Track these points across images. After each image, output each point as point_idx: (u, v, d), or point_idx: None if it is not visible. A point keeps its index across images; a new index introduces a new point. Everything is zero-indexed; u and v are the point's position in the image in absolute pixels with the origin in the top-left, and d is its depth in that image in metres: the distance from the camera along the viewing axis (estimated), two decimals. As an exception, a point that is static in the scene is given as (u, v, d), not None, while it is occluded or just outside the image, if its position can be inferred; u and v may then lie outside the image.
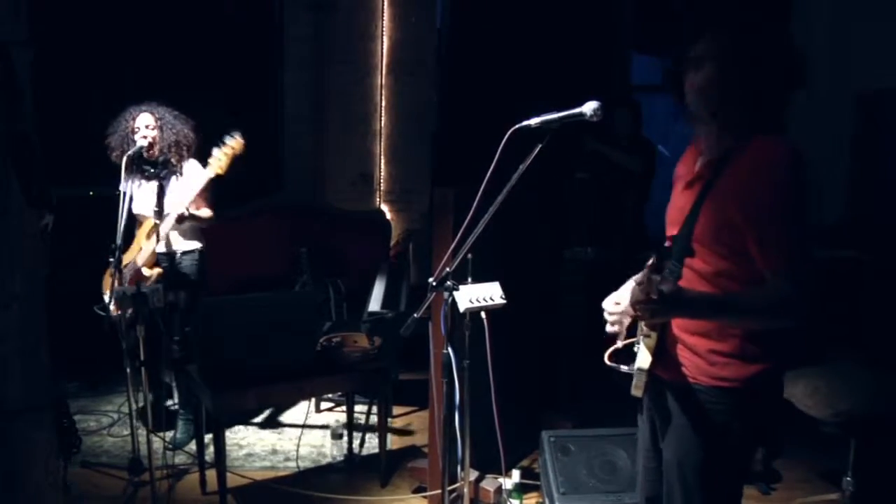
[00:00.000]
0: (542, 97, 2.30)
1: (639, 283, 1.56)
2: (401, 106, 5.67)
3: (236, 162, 3.38)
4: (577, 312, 3.90)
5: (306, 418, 3.97)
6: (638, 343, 1.82)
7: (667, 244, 1.85)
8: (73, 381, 4.45)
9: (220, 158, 3.32)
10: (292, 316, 3.10)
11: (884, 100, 4.61)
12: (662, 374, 1.79)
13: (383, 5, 5.56)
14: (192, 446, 3.54)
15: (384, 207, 5.70)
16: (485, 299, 2.45)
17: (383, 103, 5.66)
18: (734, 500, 1.81)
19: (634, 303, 1.57)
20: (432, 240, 2.94)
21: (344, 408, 3.96)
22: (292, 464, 3.53)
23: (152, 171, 3.47)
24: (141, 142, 3.36)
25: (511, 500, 3.08)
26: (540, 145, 1.94)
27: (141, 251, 3.45)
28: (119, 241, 3.06)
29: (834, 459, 3.18)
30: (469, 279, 2.47)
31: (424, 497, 3.17)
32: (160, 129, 3.43)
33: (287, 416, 4.13)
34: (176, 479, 3.32)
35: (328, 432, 3.74)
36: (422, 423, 4.04)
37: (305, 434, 3.82)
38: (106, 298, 3.46)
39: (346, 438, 3.60)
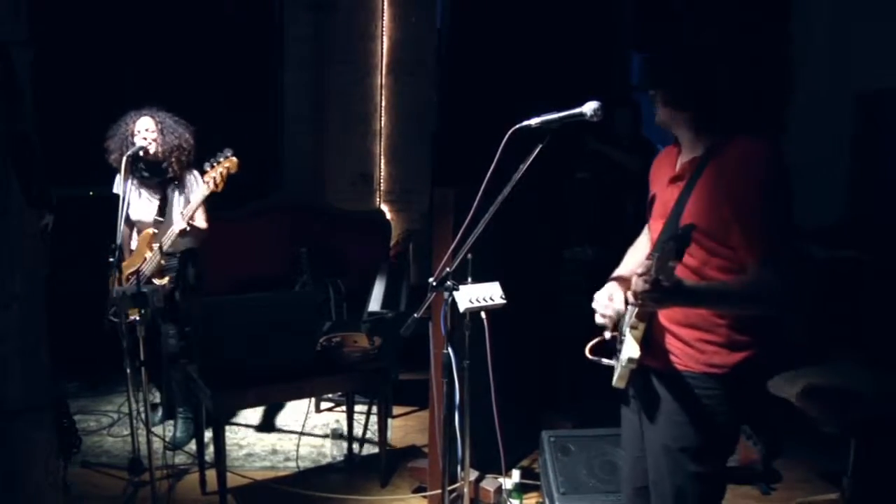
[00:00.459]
0: (542, 97, 2.30)
1: (640, 275, 1.60)
2: (401, 106, 5.67)
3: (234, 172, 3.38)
4: (577, 312, 3.88)
5: (306, 418, 3.97)
6: (624, 335, 1.86)
7: (652, 236, 1.92)
8: (73, 381, 4.45)
9: (215, 177, 3.31)
10: (292, 316, 3.10)
11: (884, 100, 4.60)
12: (652, 363, 1.85)
13: (383, 5, 5.56)
14: (192, 446, 3.54)
15: (384, 207, 5.70)
16: (485, 299, 2.45)
17: (383, 103, 5.66)
18: (719, 481, 1.89)
19: (638, 292, 1.60)
20: (432, 240, 2.94)
21: (344, 408, 3.96)
22: (292, 464, 3.53)
23: (151, 179, 3.47)
24: (140, 142, 3.36)
25: (511, 500, 3.08)
26: (540, 145, 1.95)
27: (146, 261, 3.45)
28: (119, 241, 3.06)
29: (834, 459, 3.18)
30: (469, 279, 2.47)
31: (424, 497, 3.17)
32: (161, 132, 3.43)
33: (287, 417, 4.13)
34: (176, 479, 3.32)
35: (328, 432, 3.74)
36: (422, 423, 4.04)
37: (305, 434, 3.82)
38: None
39: (345, 438, 3.60)
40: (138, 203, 3.52)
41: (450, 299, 2.22)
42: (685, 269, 1.75)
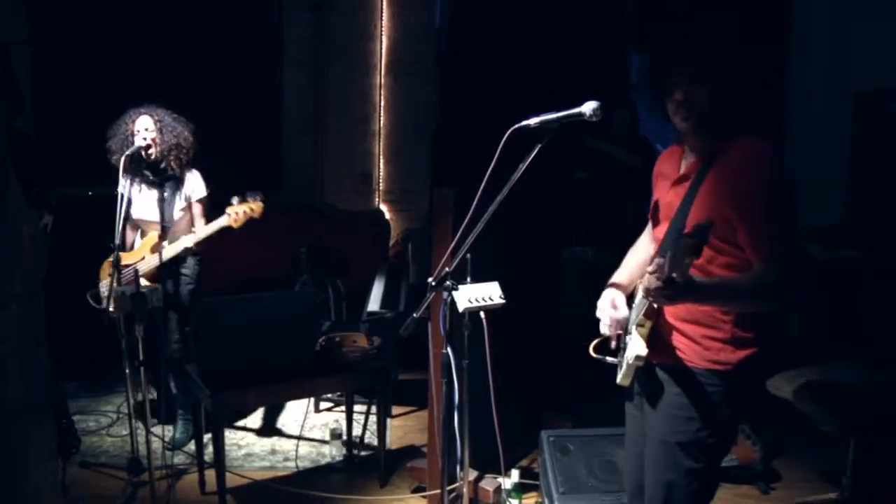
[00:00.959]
0: (541, 97, 2.31)
1: (653, 272, 1.62)
2: (400, 106, 5.67)
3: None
4: (577, 312, 3.89)
5: (305, 418, 3.97)
6: (629, 333, 1.89)
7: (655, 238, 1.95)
8: (72, 381, 4.45)
9: (237, 212, 3.31)
10: (292, 316, 3.10)
11: (883, 100, 4.60)
12: (657, 359, 1.87)
13: (382, 5, 5.56)
14: (192, 446, 3.54)
15: (383, 207, 5.70)
16: (484, 299, 2.45)
17: (382, 103, 5.66)
18: (712, 479, 1.92)
19: (650, 289, 1.62)
20: (431, 240, 2.94)
21: (343, 408, 3.95)
22: (291, 464, 3.53)
23: (153, 178, 3.47)
24: (140, 142, 3.36)
25: (510, 499, 3.08)
26: (539, 145, 1.95)
27: (144, 260, 3.45)
28: (118, 240, 3.06)
29: (833, 459, 3.18)
30: (468, 279, 2.47)
31: (424, 497, 3.17)
32: (159, 131, 3.43)
33: (286, 417, 4.13)
34: (175, 479, 3.31)
35: (327, 432, 3.74)
36: (421, 422, 4.04)
37: (305, 434, 3.82)
38: (102, 288, 3.46)
39: (345, 438, 3.60)
40: (139, 201, 3.51)
41: (449, 299, 2.23)
42: (692, 267, 1.76)
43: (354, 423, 3.68)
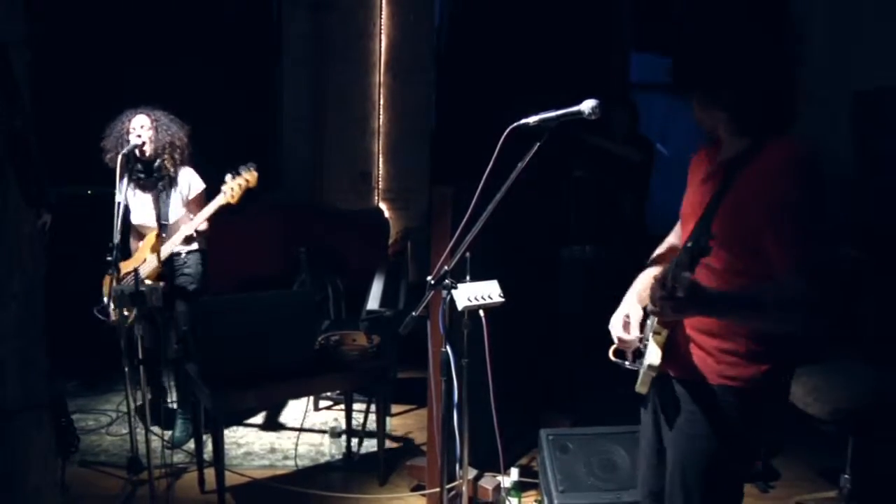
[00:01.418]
0: (540, 95, 2.30)
1: (659, 280, 1.57)
2: (399, 105, 5.67)
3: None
4: (576, 311, 3.90)
5: (305, 417, 3.97)
6: (647, 340, 1.83)
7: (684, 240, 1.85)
8: (71, 380, 4.45)
9: (233, 188, 3.31)
10: (291, 315, 3.10)
11: (884, 99, 4.60)
12: (671, 370, 1.81)
13: (381, 4, 5.56)
14: (191, 445, 3.54)
15: (383, 206, 5.70)
16: (483, 297, 2.45)
17: (382, 102, 5.66)
18: (735, 500, 1.83)
19: (656, 299, 1.56)
20: (431, 238, 2.94)
21: (342, 406, 3.95)
22: (291, 462, 3.53)
23: (147, 178, 3.47)
24: (135, 140, 3.36)
25: (509, 498, 3.08)
26: (538, 144, 1.94)
27: (145, 262, 3.45)
28: (117, 240, 3.06)
29: (833, 457, 3.18)
30: (467, 277, 2.47)
31: (423, 495, 3.17)
32: (155, 129, 3.43)
33: (285, 415, 4.13)
34: (174, 478, 3.31)
35: (327, 431, 3.74)
36: (420, 421, 4.04)
37: (304, 433, 3.82)
38: (106, 302, 3.46)
39: (344, 437, 3.60)
40: (136, 205, 3.52)
41: (448, 298, 2.22)
42: (709, 273, 1.71)
43: (353, 422, 3.68)
